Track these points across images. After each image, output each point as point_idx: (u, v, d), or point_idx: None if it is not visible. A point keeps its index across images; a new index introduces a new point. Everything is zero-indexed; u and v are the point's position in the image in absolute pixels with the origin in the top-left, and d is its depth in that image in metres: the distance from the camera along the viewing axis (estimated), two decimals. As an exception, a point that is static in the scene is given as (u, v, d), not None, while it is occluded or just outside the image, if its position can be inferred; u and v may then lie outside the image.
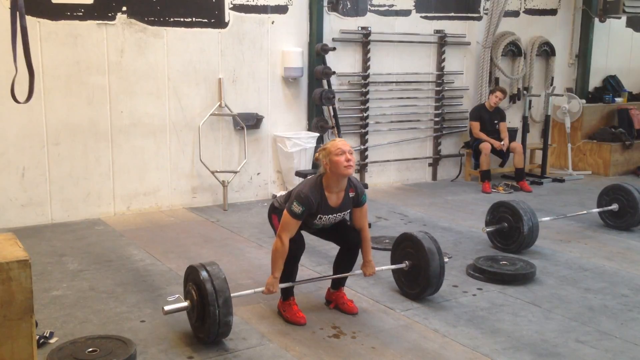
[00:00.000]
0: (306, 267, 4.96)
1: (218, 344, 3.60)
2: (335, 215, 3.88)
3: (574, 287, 4.62)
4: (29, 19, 5.53)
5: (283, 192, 4.29)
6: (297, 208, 3.69)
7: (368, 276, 4.16)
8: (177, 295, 3.70)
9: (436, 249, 4.17)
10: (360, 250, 4.06)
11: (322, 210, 3.80)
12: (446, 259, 4.27)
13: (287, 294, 3.99)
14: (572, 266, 5.10)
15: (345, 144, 3.73)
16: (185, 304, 3.58)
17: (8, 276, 2.43)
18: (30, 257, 2.50)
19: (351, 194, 3.89)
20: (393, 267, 4.37)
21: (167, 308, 3.53)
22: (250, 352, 3.54)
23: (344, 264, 4.11)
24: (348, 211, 3.96)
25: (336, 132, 7.39)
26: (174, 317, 3.98)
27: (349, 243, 4.05)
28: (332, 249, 5.27)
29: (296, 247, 3.85)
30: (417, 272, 4.20)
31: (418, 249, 4.18)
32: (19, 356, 2.51)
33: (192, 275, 3.61)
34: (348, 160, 3.68)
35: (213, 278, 3.45)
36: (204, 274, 3.48)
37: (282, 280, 3.94)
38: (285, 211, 3.75)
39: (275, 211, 4.05)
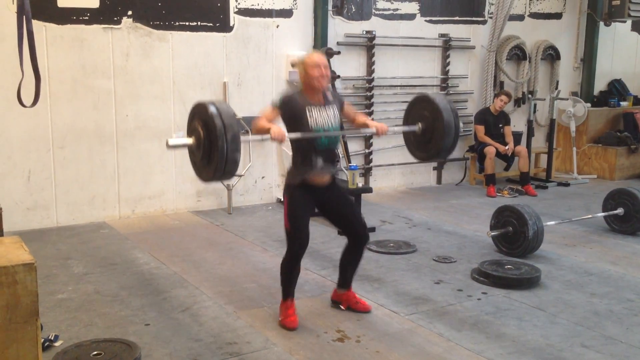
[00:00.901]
0: (310, 271, 4.96)
1: (222, 348, 3.60)
2: (325, 110, 3.84)
3: (579, 291, 4.61)
4: (35, 23, 5.55)
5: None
6: (277, 98, 3.81)
7: (382, 134, 4.00)
8: (181, 132, 3.58)
9: (451, 109, 3.97)
10: (363, 124, 4.02)
11: (307, 104, 3.78)
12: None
13: (285, 294, 3.98)
14: (577, 270, 5.09)
15: (321, 59, 3.83)
16: (190, 140, 3.40)
17: (14, 279, 2.44)
18: (36, 260, 2.51)
19: (329, 96, 3.93)
20: (406, 128, 4.17)
21: (171, 142, 3.39)
22: (254, 356, 3.54)
23: (351, 260, 4.09)
24: (337, 111, 3.92)
25: (341, 136, 7.39)
26: (178, 320, 3.99)
27: (357, 235, 4.00)
28: (337, 252, 5.27)
29: (299, 245, 3.82)
30: (431, 132, 4.01)
31: (432, 109, 3.99)
32: (24, 359, 2.51)
33: (199, 112, 3.39)
34: (321, 74, 3.77)
35: (222, 113, 3.25)
36: (212, 109, 3.26)
37: (283, 284, 3.95)
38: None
39: (287, 190, 3.93)
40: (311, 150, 3.81)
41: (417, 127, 4.09)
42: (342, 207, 4.01)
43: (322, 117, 3.81)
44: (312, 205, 3.92)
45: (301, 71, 3.84)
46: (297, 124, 3.76)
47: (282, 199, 3.82)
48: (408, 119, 4.21)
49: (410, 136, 4.20)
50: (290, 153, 7.09)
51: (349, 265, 4.11)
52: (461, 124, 4.09)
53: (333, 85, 7.24)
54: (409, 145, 4.28)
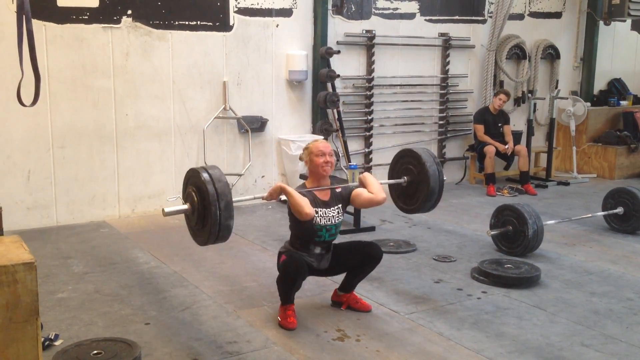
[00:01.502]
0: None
1: (222, 347, 3.61)
2: (330, 211, 3.91)
3: (579, 290, 4.61)
4: (35, 23, 5.55)
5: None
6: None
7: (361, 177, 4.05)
8: (176, 197, 3.63)
9: (436, 164, 4.10)
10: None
11: (314, 204, 3.83)
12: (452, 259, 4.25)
13: (285, 300, 3.97)
14: (577, 270, 5.09)
15: (326, 146, 3.93)
16: (185, 206, 3.48)
17: (14, 279, 2.44)
18: (36, 259, 2.51)
19: (338, 190, 4.00)
20: (392, 181, 4.28)
21: (167, 210, 3.44)
22: (254, 355, 3.54)
23: (362, 273, 4.12)
24: (341, 210, 3.98)
25: (340, 135, 7.40)
26: (178, 319, 3.99)
27: (371, 254, 4.04)
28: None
29: (296, 271, 3.82)
30: (416, 184, 4.12)
31: (418, 164, 4.11)
32: (24, 358, 2.51)
33: (193, 178, 3.47)
34: (327, 162, 3.88)
35: (215, 181, 3.33)
36: (205, 176, 3.34)
37: (281, 294, 3.95)
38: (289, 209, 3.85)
39: (281, 253, 4.02)
40: (310, 241, 3.94)
41: (402, 180, 4.22)
42: (347, 253, 4.08)
43: (326, 217, 3.90)
44: (308, 267, 3.95)
45: (306, 158, 3.95)
46: (300, 221, 3.81)
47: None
48: (393, 174, 4.34)
49: (396, 190, 4.34)
50: (291, 153, 7.12)
51: (357, 275, 4.14)
52: (445, 177, 4.24)
53: (337, 76, 7.23)
54: (396, 200, 4.38)
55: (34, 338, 2.52)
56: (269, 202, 7.28)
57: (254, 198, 3.91)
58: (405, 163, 4.24)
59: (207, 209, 3.32)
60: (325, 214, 3.91)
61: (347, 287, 4.18)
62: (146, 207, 6.75)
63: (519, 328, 3.93)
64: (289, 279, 3.85)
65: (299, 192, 3.79)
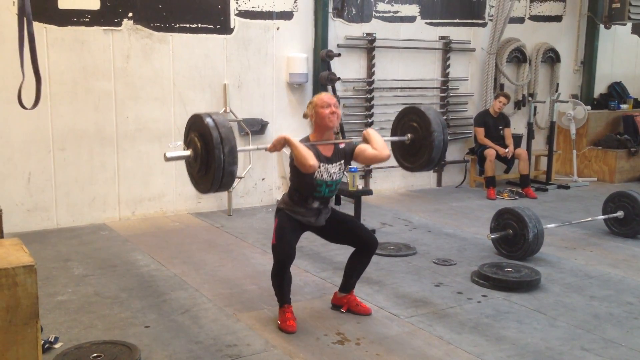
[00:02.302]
0: (310, 273, 4.96)
1: (222, 350, 3.60)
2: (331, 167, 3.87)
3: (579, 294, 4.61)
4: (36, 25, 5.57)
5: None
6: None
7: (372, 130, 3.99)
8: (179, 143, 3.53)
9: (441, 122, 4.01)
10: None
11: (318, 159, 3.77)
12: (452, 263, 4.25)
13: (281, 301, 3.98)
14: (577, 273, 5.09)
15: (331, 98, 3.86)
16: (188, 152, 3.41)
17: (14, 281, 2.44)
18: (36, 262, 2.51)
19: (341, 146, 3.96)
20: (395, 139, 4.18)
21: (169, 155, 3.39)
22: (254, 358, 3.53)
23: (359, 265, 4.12)
24: (342, 166, 3.94)
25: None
26: (178, 322, 3.99)
27: (366, 243, 4.04)
28: (337, 254, 5.28)
29: (284, 258, 3.82)
30: (419, 145, 4.04)
31: (424, 124, 4.01)
32: (24, 361, 2.51)
33: (196, 124, 3.40)
34: (333, 112, 3.81)
35: (219, 126, 3.28)
36: (209, 121, 3.28)
37: (277, 293, 3.95)
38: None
39: (277, 213, 4.00)
40: (309, 195, 3.90)
41: (406, 137, 4.13)
42: (342, 227, 4.06)
43: (327, 173, 3.88)
44: (301, 230, 3.98)
45: (311, 111, 3.88)
46: (302, 174, 3.79)
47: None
48: (397, 129, 4.24)
49: (397, 146, 4.24)
50: (288, 153, 7.12)
51: (355, 270, 4.14)
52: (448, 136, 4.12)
53: (338, 79, 7.22)
54: (395, 154, 4.29)
55: (33, 341, 2.51)
56: (269, 206, 7.28)
57: (257, 149, 3.80)
58: (411, 121, 4.11)
59: (211, 154, 3.24)
60: (327, 169, 3.87)
61: (346, 286, 4.18)
62: (146, 210, 6.75)
63: (519, 332, 3.92)
64: (279, 266, 3.82)
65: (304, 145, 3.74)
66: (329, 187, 3.90)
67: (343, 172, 3.99)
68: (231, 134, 3.30)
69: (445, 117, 8.61)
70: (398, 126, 4.23)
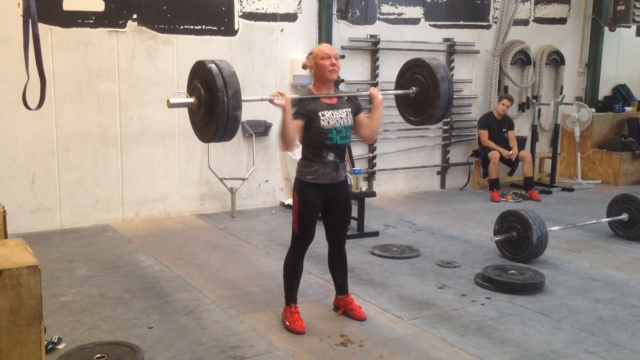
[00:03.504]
0: (314, 275, 4.96)
1: (226, 352, 3.60)
2: (337, 112, 3.80)
3: (584, 297, 4.59)
4: (41, 27, 5.57)
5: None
6: (294, 110, 3.71)
7: (374, 98, 3.96)
8: (181, 91, 3.48)
9: (446, 73, 3.99)
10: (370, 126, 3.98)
11: (319, 108, 3.75)
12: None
13: (288, 299, 3.99)
14: (581, 276, 5.07)
15: (331, 49, 3.79)
16: (191, 99, 3.41)
17: (18, 282, 2.44)
18: (40, 263, 2.51)
19: (345, 98, 3.92)
20: (400, 92, 4.16)
21: (172, 101, 3.38)
22: (257, 360, 3.54)
23: (335, 265, 4.13)
24: (350, 113, 3.87)
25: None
26: (181, 323, 3.99)
27: (332, 240, 4.06)
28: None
29: (304, 243, 3.87)
30: (425, 96, 4.01)
31: (427, 72, 3.99)
32: (28, 362, 2.51)
33: (199, 71, 3.39)
34: (333, 64, 3.74)
35: (222, 70, 3.26)
36: (212, 66, 3.27)
37: (286, 286, 3.96)
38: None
39: (296, 185, 3.92)
40: (322, 147, 3.80)
41: (410, 90, 4.08)
42: (341, 214, 4.02)
43: (334, 119, 3.80)
44: (321, 205, 3.92)
45: (311, 63, 3.80)
46: (308, 125, 3.76)
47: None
48: (401, 81, 4.20)
49: (402, 98, 4.21)
50: (295, 158, 7.12)
51: (335, 269, 4.14)
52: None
53: (341, 80, 7.21)
54: (399, 107, 4.27)
55: (37, 341, 2.51)
56: (272, 207, 7.28)
57: (262, 99, 3.74)
58: (416, 73, 4.07)
59: (215, 99, 3.23)
60: (333, 115, 3.78)
61: (338, 288, 4.19)
62: (150, 211, 6.76)
63: (523, 334, 3.91)
64: (298, 248, 3.86)
65: (300, 112, 3.69)
66: (339, 132, 3.79)
67: (351, 119, 3.89)
68: (235, 78, 3.28)
69: (449, 119, 8.61)
70: (402, 79, 4.19)
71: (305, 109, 3.74)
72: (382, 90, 4.13)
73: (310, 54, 3.84)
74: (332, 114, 3.79)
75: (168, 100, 3.39)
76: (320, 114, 3.75)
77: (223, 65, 3.31)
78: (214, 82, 3.23)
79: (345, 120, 3.84)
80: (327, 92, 3.83)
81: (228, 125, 3.29)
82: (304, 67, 3.88)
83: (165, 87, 6.65)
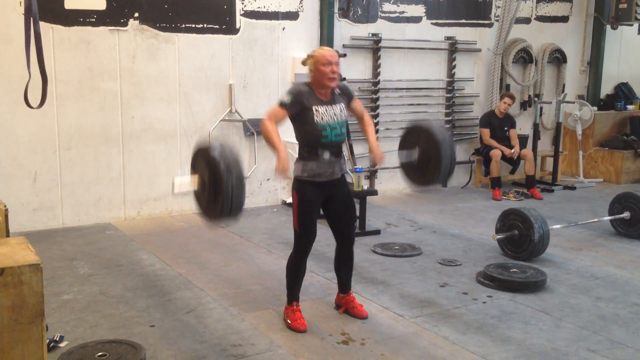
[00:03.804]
0: (315, 273, 4.96)
1: (226, 349, 3.60)
2: (331, 108, 3.79)
3: (585, 295, 4.59)
4: (43, 25, 5.55)
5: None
6: (285, 97, 3.72)
7: (378, 163, 4.00)
8: (185, 175, 3.49)
9: (448, 136, 3.98)
10: (366, 137, 4.01)
11: (313, 102, 3.74)
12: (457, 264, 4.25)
13: (290, 298, 3.99)
14: (583, 274, 5.07)
15: (333, 55, 3.73)
16: (195, 184, 3.42)
17: (19, 280, 2.44)
18: (42, 261, 2.51)
19: (337, 92, 3.89)
20: (403, 157, 4.11)
21: (177, 190, 3.44)
22: (259, 358, 3.53)
23: (342, 263, 4.12)
24: (343, 108, 3.88)
25: (346, 138, 7.37)
26: (183, 322, 3.99)
27: (342, 238, 4.04)
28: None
29: (306, 241, 3.86)
30: (427, 160, 3.97)
31: (428, 138, 3.96)
32: (30, 360, 2.52)
33: (202, 154, 3.41)
34: (333, 72, 3.70)
35: (226, 155, 3.27)
36: (215, 151, 3.29)
37: (289, 285, 3.97)
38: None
39: (295, 184, 3.93)
40: (317, 145, 3.80)
41: (413, 155, 4.06)
42: (342, 210, 4.01)
43: (328, 115, 3.78)
44: (320, 202, 3.92)
45: (311, 66, 3.76)
46: (302, 120, 3.76)
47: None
48: (404, 146, 4.17)
49: (405, 163, 4.18)
50: (295, 156, 7.11)
51: (341, 268, 4.14)
52: (457, 149, 4.03)
53: (343, 79, 7.23)
54: (403, 172, 4.25)
55: (39, 339, 2.52)
56: (274, 206, 7.28)
57: (267, 180, 3.76)
58: (417, 139, 4.03)
59: (219, 184, 3.23)
60: (327, 111, 3.78)
61: (341, 286, 4.19)
62: (152, 210, 6.76)
63: (524, 333, 3.91)
64: (300, 250, 3.85)
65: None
66: (333, 129, 3.78)
67: (345, 115, 3.90)
68: (238, 162, 3.29)
69: (450, 118, 8.60)
70: (405, 144, 4.17)
71: (299, 99, 3.72)
72: (383, 168, 4.08)
73: (311, 56, 3.79)
74: (326, 109, 3.78)
75: (173, 186, 3.37)
76: (314, 108, 3.74)
77: (226, 149, 3.32)
78: (217, 169, 3.23)
79: (340, 117, 3.83)
80: (323, 91, 3.82)
81: (233, 207, 3.29)
82: (304, 63, 3.86)
83: (167, 86, 6.66)
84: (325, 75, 3.71)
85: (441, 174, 3.96)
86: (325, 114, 3.78)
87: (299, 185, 3.88)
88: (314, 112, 3.74)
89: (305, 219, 3.85)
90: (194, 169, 3.46)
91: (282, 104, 3.73)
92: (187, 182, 3.45)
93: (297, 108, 3.74)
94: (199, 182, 3.37)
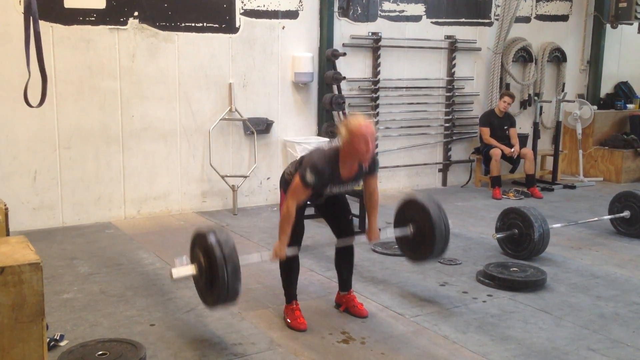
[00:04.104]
0: (315, 272, 4.96)
1: (227, 348, 3.61)
2: (345, 185, 3.84)
3: (585, 294, 4.59)
4: (42, 24, 5.57)
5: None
6: (310, 177, 3.58)
7: (372, 241, 4.08)
8: (184, 257, 3.59)
9: (441, 212, 4.06)
10: (366, 216, 4.06)
11: (334, 182, 3.73)
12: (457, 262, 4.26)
13: (288, 297, 4.00)
14: (583, 273, 5.07)
15: (370, 130, 3.51)
16: (193, 271, 3.52)
17: (20, 279, 2.44)
18: (42, 260, 2.51)
19: (364, 168, 3.79)
20: (398, 232, 4.23)
21: (175, 275, 3.49)
22: (259, 357, 3.54)
23: (342, 261, 4.14)
24: (359, 181, 3.92)
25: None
26: (183, 320, 4.00)
27: (342, 231, 4.05)
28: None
29: (296, 232, 3.81)
30: (422, 236, 4.08)
31: (422, 213, 4.06)
32: (30, 359, 2.52)
33: (200, 241, 3.53)
34: (368, 149, 3.54)
35: (222, 245, 3.37)
36: (212, 239, 3.39)
37: (285, 284, 4.00)
38: (297, 176, 3.64)
39: (285, 185, 3.92)
40: (320, 196, 3.92)
41: (408, 230, 4.17)
42: (339, 209, 4.05)
43: (338, 189, 3.84)
44: (307, 195, 3.87)
45: (345, 137, 3.54)
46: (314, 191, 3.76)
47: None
48: (400, 220, 4.29)
49: (401, 238, 4.30)
50: (295, 155, 7.10)
51: (341, 267, 4.15)
52: (451, 224, 4.16)
53: (343, 78, 7.23)
54: (399, 245, 4.38)
55: (39, 338, 2.52)
56: (274, 205, 7.28)
57: (261, 259, 3.86)
58: (411, 214, 4.17)
59: (215, 273, 3.38)
60: (340, 188, 3.82)
61: (342, 284, 4.19)
62: (152, 209, 6.76)
63: (524, 332, 3.91)
64: (293, 237, 3.81)
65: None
66: (338, 190, 3.88)
67: (359, 181, 3.94)
68: (234, 252, 3.40)
69: (450, 117, 8.60)
70: (400, 218, 4.29)
71: (322, 180, 3.64)
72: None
73: (347, 126, 3.55)
74: (340, 187, 3.82)
75: (171, 274, 3.53)
76: (330, 186, 3.75)
77: (223, 237, 3.43)
78: (214, 257, 3.37)
79: (350, 185, 3.86)
80: (352, 163, 3.69)
81: (229, 297, 3.44)
82: (338, 132, 3.68)
83: (167, 85, 6.66)
84: (360, 153, 3.54)
85: (434, 255, 4.13)
86: (336, 191, 3.85)
87: (288, 184, 3.90)
88: (327, 189, 3.78)
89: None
90: (193, 254, 3.62)
91: (307, 184, 3.62)
92: (185, 270, 3.57)
93: (318, 187, 3.69)
94: (197, 268, 3.52)
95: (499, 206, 6.94)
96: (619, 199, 6.21)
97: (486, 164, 8.36)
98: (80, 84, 6.23)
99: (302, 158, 3.88)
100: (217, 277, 3.36)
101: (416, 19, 8.15)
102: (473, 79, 8.78)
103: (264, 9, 7.07)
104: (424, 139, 8.48)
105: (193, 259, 3.59)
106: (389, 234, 4.24)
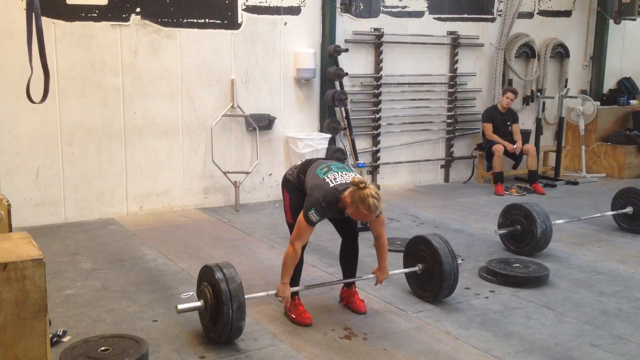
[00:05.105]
0: (318, 269, 4.96)
1: (230, 345, 3.61)
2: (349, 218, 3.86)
3: (588, 290, 4.58)
4: (44, 20, 5.55)
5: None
6: (314, 217, 3.63)
7: (381, 281, 4.13)
8: (190, 293, 3.71)
9: (449, 251, 4.16)
10: (376, 254, 4.07)
11: (336, 216, 3.80)
12: (460, 261, 4.27)
13: (292, 294, 3.99)
14: (585, 269, 5.06)
15: (377, 206, 3.52)
16: (198, 303, 3.60)
17: (22, 275, 2.45)
18: (44, 256, 2.51)
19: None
20: (406, 270, 4.35)
21: (180, 307, 3.55)
22: (261, 353, 3.54)
23: (346, 257, 4.15)
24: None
25: (348, 133, 7.38)
26: (186, 316, 4.00)
27: (347, 232, 4.09)
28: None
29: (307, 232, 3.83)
30: (431, 274, 4.19)
31: (431, 251, 4.18)
32: (33, 354, 2.52)
33: (207, 275, 3.62)
34: (369, 218, 3.65)
35: (229, 281, 3.46)
36: (219, 275, 3.49)
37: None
38: (301, 216, 3.68)
39: (287, 185, 4.00)
40: None
41: (417, 267, 4.28)
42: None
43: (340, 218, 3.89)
44: None
45: (354, 198, 3.52)
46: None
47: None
48: (408, 258, 4.40)
49: (411, 275, 4.41)
50: (298, 151, 7.10)
51: (345, 262, 4.17)
52: (460, 261, 4.30)
53: (345, 74, 7.26)
54: (409, 283, 4.46)
55: (42, 334, 2.53)
56: (276, 201, 7.28)
57: (267, 295, 3.85)
58: (422, 251, 4.27)
59: (220, 309, 3.44)
60: (344, 218, 3.86)
61: (346, 279, 4.20)
62: (154, 205, 6.77)
63: (527, 327, 3.91)
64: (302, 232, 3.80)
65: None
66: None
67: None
68: (240, 289, 3.47)
69: (453, 113, 8.59)
70: (409, 255, 4.39)
71: (325, 216, 3.71)
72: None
73: (359, 187, 3.52)
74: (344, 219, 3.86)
75: (176, 307, 3.59)
76: (330, 218, 3.86)
77: (229, 274, 3.50)
78: (220, 293, 3.43)
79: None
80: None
81: (232, 334, 3.50)
82: (345, 187, 3.65)
83: (169, 81, 6.66)
84: (362, 217, 3.62)
85: (440, 296, 4.22)
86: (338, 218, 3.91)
87: (291, 187, 3.99)
88: (328, 219, 3.86)
89: (298, 209, 3.85)
90: (199, 288, 3.68)
91: (311, 224, 3.66)
92: (193, 299, 3.66)
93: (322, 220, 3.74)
94: (203, 302, 3.58)
95: (501, 202, 6.94)
96: (622, 195, 6.20)
97: (489, 160, 8.35)
98: (83, 80, 6.23)
99: (304, 164, 3.98)
100: (222, 314, 3.44)
101: (419, 14, 8.13)
102: (476, 75, 8.76)
103: (266, 4, 7.06)
104: (426, 135, 8.48)
105: (200, 294, 3.66)
106: (398, 272, 4.36)
